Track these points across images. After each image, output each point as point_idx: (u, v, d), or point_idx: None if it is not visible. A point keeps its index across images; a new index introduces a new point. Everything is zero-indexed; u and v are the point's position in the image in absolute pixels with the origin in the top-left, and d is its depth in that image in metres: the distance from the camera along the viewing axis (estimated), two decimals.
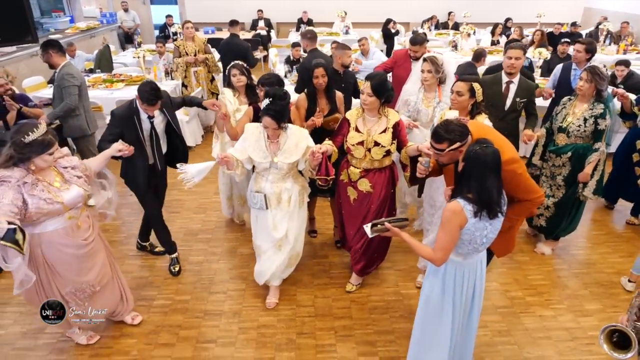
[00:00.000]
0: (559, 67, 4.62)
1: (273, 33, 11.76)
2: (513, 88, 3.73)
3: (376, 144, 2.94)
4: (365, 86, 2.87)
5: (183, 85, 6.41)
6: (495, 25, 9.65)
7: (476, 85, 2.82)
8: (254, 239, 3.19)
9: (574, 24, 9.98)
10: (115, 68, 7.35)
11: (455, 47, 9.14)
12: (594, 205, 4.68)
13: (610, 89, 3.80)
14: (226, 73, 3.99)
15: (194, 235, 4.16)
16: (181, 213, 4.54)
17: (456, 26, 11.36)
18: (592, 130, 3.40)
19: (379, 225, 2.20)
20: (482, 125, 2.54)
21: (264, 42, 10.69)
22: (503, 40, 9.37)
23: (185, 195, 4.82)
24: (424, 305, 2.36)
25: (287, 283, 3.44)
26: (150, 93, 3.01)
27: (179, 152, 3.46)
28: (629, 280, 3.43)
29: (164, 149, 3.41)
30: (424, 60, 3.43)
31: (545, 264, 3.79)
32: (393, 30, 11.17)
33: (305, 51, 4.97)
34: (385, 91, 2.87)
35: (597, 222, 4.46)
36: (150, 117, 3.17)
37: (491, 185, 1.98)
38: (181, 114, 5.50)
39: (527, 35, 9.40)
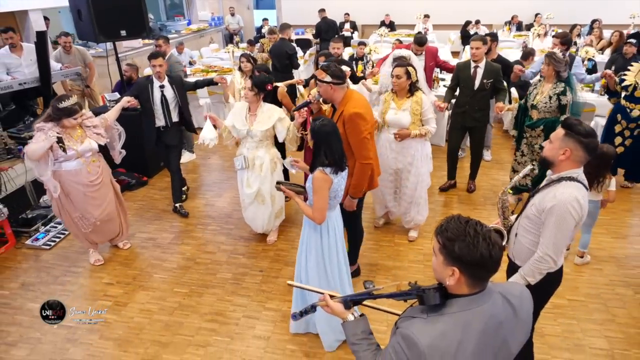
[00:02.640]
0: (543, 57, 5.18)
1: (356, 34, 12.72)
2: (480, 71, 4.41)
3: None
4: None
5: None
6: (573, 27, 9.51)
7: (410, 69, 3.59)
8: (240, 195, 4.09)
9: None
10: (213, 61, 8.94)
11: (525, 47, 9.25)
12: None
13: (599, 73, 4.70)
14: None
15: None
16: None
17: None
18: (556, 105, 4.00)
19: (280, 185, 2.70)
20: (354, 91, 3.20)
21: (346, 42, 11.70)
22: (581, 41, 9.24)
23: None
24: (304, 248, 2.86)
25: None
26: (152, 52, 4.35)
27: (185, 123, 4.56)
28: (580, 256, 3.85)
29: (175, 118, 4.43)
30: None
31: None
32: (472, 32, 11.49)
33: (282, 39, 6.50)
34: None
35: None
36: (161, 87, 4.27)
37: (336, 145, 2.53)
38: None
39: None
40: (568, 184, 2.06)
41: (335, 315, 1.68)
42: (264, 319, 3.30)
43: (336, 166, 2.54)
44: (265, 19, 12.17)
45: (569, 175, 2.08)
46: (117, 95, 5.77)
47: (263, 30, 11.41)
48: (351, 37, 12.16)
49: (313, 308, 1.79)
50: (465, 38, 11.50)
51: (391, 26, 12.21)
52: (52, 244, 4.25)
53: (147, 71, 7.92)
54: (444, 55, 8.45)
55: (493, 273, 1.36)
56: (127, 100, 4.01)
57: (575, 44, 9.36)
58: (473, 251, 1.30)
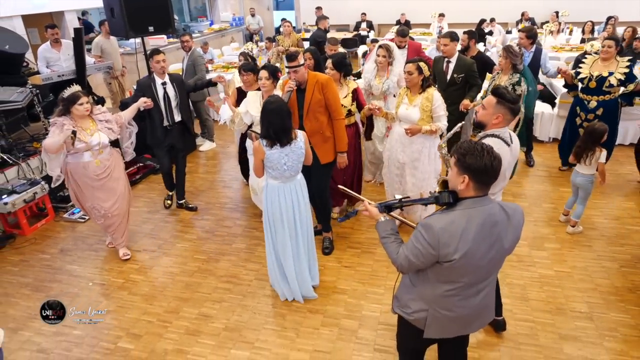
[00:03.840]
0: None
1: (372, 33, 13.04)
2: (451, 66, 4.66)
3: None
4: (327, 63, 3.96)
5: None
6: (586, 24, 9.63)
7: (422, 64, 3.65)
8: (252, 180, 4.24)
9: None
10: (233, 58, 9.40)
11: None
12: (528, 168, 5.59)
13: (556, 67, 5.00)
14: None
15: None
16: None
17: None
18: None
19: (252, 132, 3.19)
20: (318, 74, 3.62)
21: (362, 40, 12.05)
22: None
23: None
24: (265, 221, 3.25)
25: None
26: (153, 49, 4.37)
27: (186, 121, 4.56)
28: (572, 225, 4.22)
29: (177, 118, 4.44)
30: (380, 47, 4.41)
31: (527, 211, 4.51)
32: (486, 30, 11.68)
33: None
34: (343, 66, 3.91)
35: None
36: (164, 84, 4.27)
37: (275, 122, 2.83)
38: None
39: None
40: (490, 139, 2.51)
41: (371, 217, 2.18)
42: None
43: (270, 139, 2.90)
44: (283, 19, 12.57)
45: (492, 132, 2.54)
46: None
47: (281, 29, 11.83)
48: (367, 36, 12.49)
49: (355, 212, 2.42)
50: (480, 36, 11.70)
51: (407, 25, 12.47)
52: (87, 217, 4.71)
53: (171, 68, 8.43)
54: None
55: (493, 180, 1.86)
56: (144, 101, 4.03)
57: (589, 40, 9.49)
58: (479, 161, 1.79)
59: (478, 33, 11.67)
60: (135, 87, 6.22)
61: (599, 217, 4.47)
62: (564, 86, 5.05)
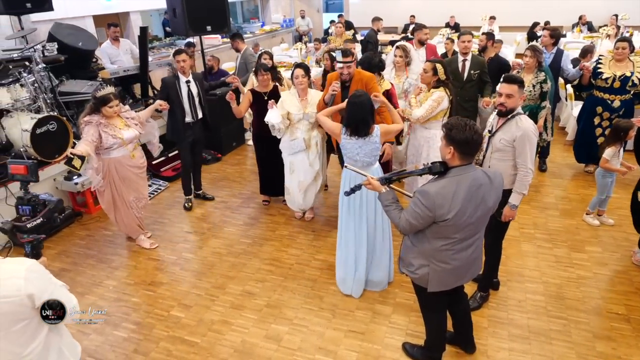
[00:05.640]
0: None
1: None
2: (467, 64, 4.82)
3: None
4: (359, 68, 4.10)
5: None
6: None
7: (438, 66, 3.82)
8: (288, 181, 4.38)
9: None
10: (282, 58, 9.75)
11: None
12: (575, 171, 5.48)
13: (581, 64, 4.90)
14: None
15: None
16: None
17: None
18: (539, 93, 4.34)
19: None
20: (362, 71, 3.93)
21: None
22: None
23: None
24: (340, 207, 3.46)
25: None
26: (176, 49, 4.56)
27: (207, 117, 4.69)
28: (587, 214, 4.38)
29: (200, 114, 4.60)
30: (397, 47, 4.57)
31: (570, 214, 4.47)
32: (539, 34, 11.38)
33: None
34: (374, 67, 4.10)
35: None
36: (187, 82, 4.40)
37: (354, 113, 3.10)
38: None
39: None
40: (521, 116, 2.91)
41: (374, 189, 2.50)
42: (313, 266, 3.88)
43: (347, 128, 3.18)
44: (332, 21, 12.83)
45: (518, 112, 2.93)
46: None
47: (330, 31, 12.10)
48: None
49: (359, 186, 2.60)
50: (531, 39, 11.44)
51: (456, 28, 12.36)
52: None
53: (225, 66, 8.86)
54: (509, 56, 8.56)
55: (475, 151, 2.22)
56: (159, 104, 4.16)
57: None
58: (462, 135, 2.14)
59: (530, 36, 11.49)
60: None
61: None
62: (575, 87, 5.04)
